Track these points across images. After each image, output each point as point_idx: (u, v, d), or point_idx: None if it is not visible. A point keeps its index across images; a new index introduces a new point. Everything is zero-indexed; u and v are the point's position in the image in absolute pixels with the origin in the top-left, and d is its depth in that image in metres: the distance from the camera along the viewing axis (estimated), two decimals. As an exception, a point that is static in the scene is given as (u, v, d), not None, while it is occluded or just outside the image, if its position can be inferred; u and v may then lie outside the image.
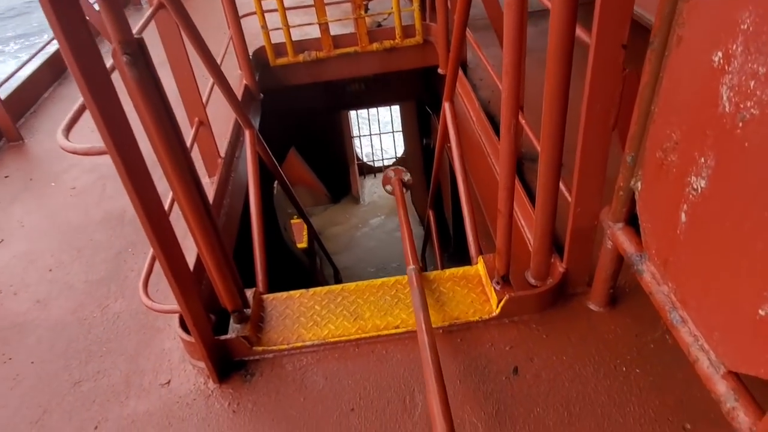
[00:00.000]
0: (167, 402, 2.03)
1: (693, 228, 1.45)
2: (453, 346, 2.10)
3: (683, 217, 1.49)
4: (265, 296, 2.42)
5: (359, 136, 12.44)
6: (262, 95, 4.30)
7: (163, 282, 1.93)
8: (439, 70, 4.42)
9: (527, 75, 2.69)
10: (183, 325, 2.14)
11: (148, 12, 2.48)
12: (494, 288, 2.21)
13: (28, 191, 3.41)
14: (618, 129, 1.91)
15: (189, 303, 1.88)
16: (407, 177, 3.54)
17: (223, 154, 3.20)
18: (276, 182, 7.60)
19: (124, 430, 1.95)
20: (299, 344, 2.16)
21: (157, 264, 1.82)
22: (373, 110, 12.07)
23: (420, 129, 10.26)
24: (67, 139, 1.59)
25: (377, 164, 12.56)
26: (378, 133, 12.35)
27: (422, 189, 9.86)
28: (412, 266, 2.31)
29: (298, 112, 6.86)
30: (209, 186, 3.03)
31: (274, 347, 2.16)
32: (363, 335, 2.17)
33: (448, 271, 2.43)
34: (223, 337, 2.08)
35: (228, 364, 2.12)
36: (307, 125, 9.10)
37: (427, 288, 2.36)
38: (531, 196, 2.68)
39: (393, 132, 12.21)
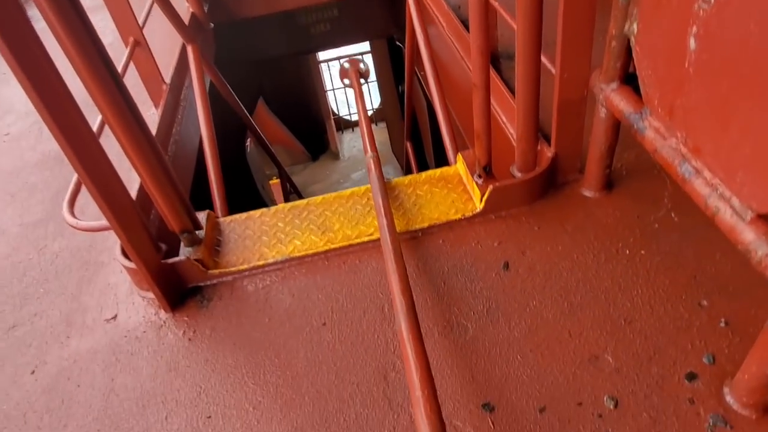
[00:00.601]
0: (113, 337, 1.77)
1: (705, 52, 1.19)
2: (435, 247, 1.86)
3: (692, 43, 1.23)
4: (221, 219, 2.15)
5: (333, 90, 11.99)
6: (212, 25, 3.92)
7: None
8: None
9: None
10: (125, 252, 1.87)
11: None
12: (476, 182, 1.96)
13: (-44, 142, 3.07)
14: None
15: (121, 218, 1.60)
16: (364, 67, 3.33)
17: (168, 80, 2.86)
18: (249, 139, 7.25)
19: (65, 371, 1.70)
20: (261, 263, 1.90)
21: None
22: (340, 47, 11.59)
23: (394, 76, 9.86)
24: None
25: (354, 118, 12.17)
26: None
27: (401, 139, 9.55)
28: (370, 153, 2.05)
29: (261, 58, 6.46)
30: (154, 118, 2.71)
31: (233, 269, 1.90)
32: (333, 246, 1.92)
33: (425, 174, 2.17)
34: (171, 260, 1.81)
35: (181, 292, 1.86)
36: (274, 75, 8.68)
37: (403, 192, 2.10)
38: (511, 92, 2.41)
39: (367, 82, 11.78)
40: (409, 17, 2.74)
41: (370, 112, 12.03)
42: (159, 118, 2.62)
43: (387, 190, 1.96)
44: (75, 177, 1.82)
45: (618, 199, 1.89)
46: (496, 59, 2.69)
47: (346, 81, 3.35)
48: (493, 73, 2.44)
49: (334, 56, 11.56)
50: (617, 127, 1.73)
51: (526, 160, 1.96)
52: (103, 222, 1.61)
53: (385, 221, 1.72)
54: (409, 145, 4.64)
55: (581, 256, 1.73)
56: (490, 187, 1.86)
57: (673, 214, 1.79)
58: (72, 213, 1.75)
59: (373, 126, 11.89)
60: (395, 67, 9.27)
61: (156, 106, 2.82)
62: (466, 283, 1.71)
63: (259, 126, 8.98)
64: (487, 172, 1.95)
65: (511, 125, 2.34)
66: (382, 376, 1.51)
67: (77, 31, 1.40)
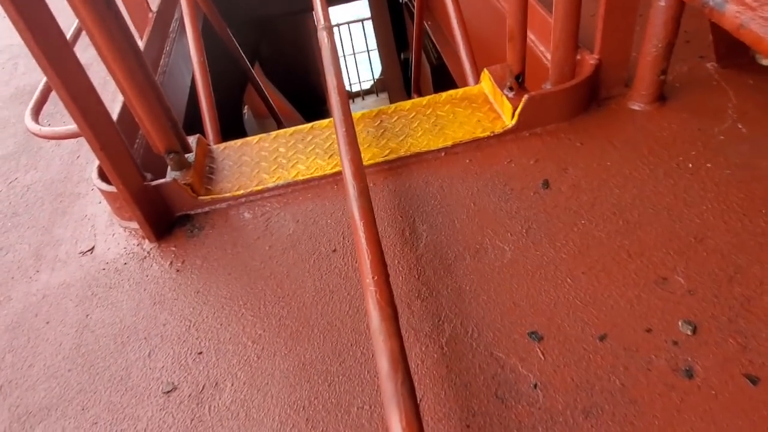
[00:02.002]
0: (90, 271, 1.53)
1: None
2: (461, 167, 1.60)
3: None
4: (214, 146, 1.89)
5: (332, 60, 11.62)
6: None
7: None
8: None
9: None
10: (103, 174, 1.61)
11: None
12: (506, 96, 1.70)
13: (-77, 80, 2.80)
14: None
15: (97, 129, 1.35)
16: None
17: (155, 8, 2.58)
18: (246, 107, 6.95)
19: (32, 308, 1.45)
20: (259, 188, 1.65)
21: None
22: (345, 31, 11.21)
23: (397, 42, 9.53)
24: None
25: (354, 89, 11.83)
26: (352, 53, 11.53)
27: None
28: (322, 24, 1.77)
29: (258, 17, 6.13)
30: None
31: (227, 194, 1.65)
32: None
33: (445, 94, 1.90)
34: (156, 182, 1.56)
35: (168, 221, 1.61)
36: (271, 39, 8.33)
37: (421, 114, 1.84)
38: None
39: (368, 51, 11.41)
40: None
41: (371, 83, 11.73)
42: (144, 47, 2.35)
43: (338, 62, 1.72)
44: (43, 81, 1.56)
45: (673, 112, 1.63)
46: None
47: None
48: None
49: (335, 23, 11.20)
50: (679, 17, 1.46)
51: (563, 72, 1.69)
52: (73, 127, 1.36)
53: (338, 102, 1.49)
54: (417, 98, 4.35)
55: (634, 171, 1.47)
56: (525, 96, 1.60)
57: (740, 125, 1.53)
58: (36, 120, 1.49)
59: (375, 97, 11.59)
60: (396, 33, 8.94)
61: (140, 36, 2.55)
62: (499, 203, 1.46)
63: (256, 95, 8.66)
64: (519, 83, 1.69)
65: (540, 42, 2.07)
66: (405, 305, 1.27)
67: None
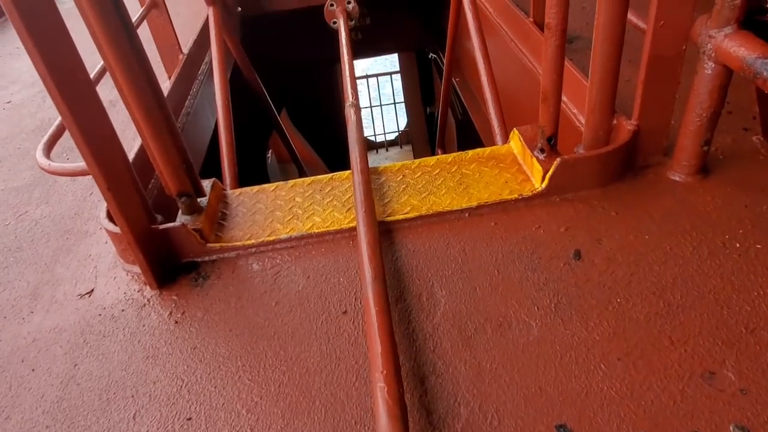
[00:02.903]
0: (85, 316, 1.44)
1: None
2: (485, 230, 1.50)
3: None
4: (230, 191, 1.83)
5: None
6: (239, 9, 3.70)
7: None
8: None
9: None
10: (110, 214, 1.55)
11: None
12: (537, 158, 1.61)
13: (-46, 108, 2.83)
14: None
15: (105, 168, 1.29)
16: (351, 5, 2.92)
17: (186, 51, 2.60)
18: (270, 151, 7.01)
19: (20, 352, 1.36)
20: (272, 239, 1.57)
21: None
22: (373, 82, 11.43)
23: (423, 97, 9.66)
24: None
25: (379, 139, 11.94)
26: (379, 105, 11.70)
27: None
28: (350, 101, 1.75)
29: (288, 62, 6.25)
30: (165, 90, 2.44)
31: (237, 243, 1.56)
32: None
33: (471, 152, 1.83)
34: (163, 226, 1.49)
35: (173, 267, 1.53)
36: (299, 85, 8.49)
37: (446, 171, 1.76)
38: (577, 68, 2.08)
39: (395, 103, 11.57)
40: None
41: (395, 135, 11.84)
42: (170, 88, 2.35)
43: (365, 144, 1.75)
44: (58, 119, 1.52)
45: (717, 186, 1.52)
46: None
47: (334, 22, 2.93)
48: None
49: (363, 74, 11.45)
50: (726, 87, 1.38)
51: (597, 136, 1.61)
52: (82, 165, 1.30)
53: (359, 175, 1.48)
54: (440, 153, 4.31)
55: (676, 248, 1.36)
56: (558, 160, 1.52)
57: (791, 204, 1.42)
58: (48, 156, 1.44)
59: (399, 149, 11.67)
60: (424, 87, 9.07)
61: (169, 77, 2.56)
62: (526, 273, 1.35)
63: (281, 138, 8.77)
64: (551, 145, 1.61)
65: (574, 105, 2.00)
66: (418, 381, 1.15)
67: None
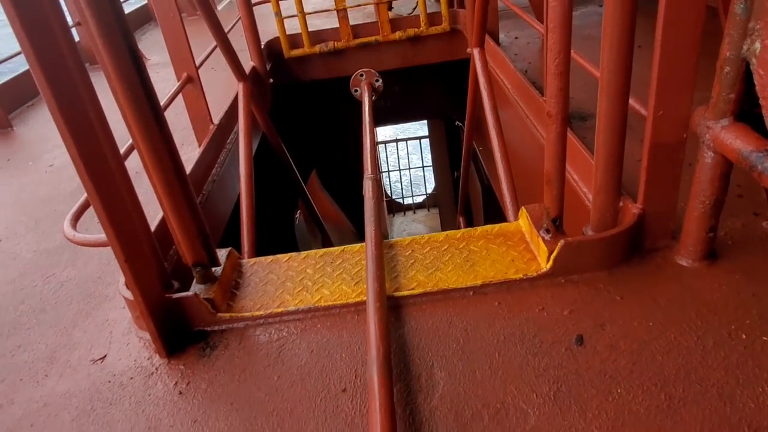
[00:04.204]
0: (96, 381, 1.49)
1: None
2: (488, 310, 1.51)
3: None
4: (245, 260, 1.90)
5: (388, 171, 12.04)
6: (272, 80, 3.91)
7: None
8: (468, 50, 3.97)
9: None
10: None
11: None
12: (543, 238, 1.63)
13: (1, 170, 3.03)
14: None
15: (124, 238, 1.37)
16: (378, 82, 3.12)
17: (216, 121, 2.76)
18: (299, 211, 7.19)
19: (31, 416, 1.41)
20: (279, 310, 1.61)
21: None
22: (402, 147, 11.69)
23: (451, 161, 9.81)
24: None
25: (407, 201, 12.08)
26: (407, 168, 11.91)
27: (454, 226, 9.29)
28: (369, 175, 1.82)
29: (319, 127, 6.49)
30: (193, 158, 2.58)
31: (247, 314, 1.61)
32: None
33: (480, 228, 1.86)
34: (176, 295, 1.55)
35: (184, 335, 1.57)
36: (329, 149, 8.75)
37: (454, 247, 1.79)
38: (586, 148, 2.12)
39: (423, 167, 11.77)
40: (472, 70, 2.56)
41: (423, 197, 11.96)
42: (198, 156, 2.48)
43: (381, 216, 1.83)
44: (85, 194, 1.63)
45: (724, 273, 1.51)
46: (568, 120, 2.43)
47: (357, 90, 3.12)
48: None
49: (392, 138, 11.74)
50: (727, 176, 1.40)
51: (604, 218, 1.63)
52: (102, 237, 1.38)
53: (373, 250, 1.53)
54: (462, 220, 4.36)
55: (680, 337, 1.34)
56: (561, 242, 1.53)
57: (801, 295, 1.39)
58: (74, 226, 1.54)
59: (426, 212, 11.76)
60: (451, 151, 9.21)
61: (199, 144, 2.71)
62: (527, 357, 1.35)
63: (304, 205, 8.96)
64: (556, 226, 1.63)
65: (584, 184, 2.03)
66: (410, 467, 1.14)
67: (104, 14, 1.25)
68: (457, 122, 6.93)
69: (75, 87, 1.25)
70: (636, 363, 1.29)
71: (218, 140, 2.72)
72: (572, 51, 2.00)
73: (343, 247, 1.89)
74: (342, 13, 4.17)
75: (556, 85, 1.41)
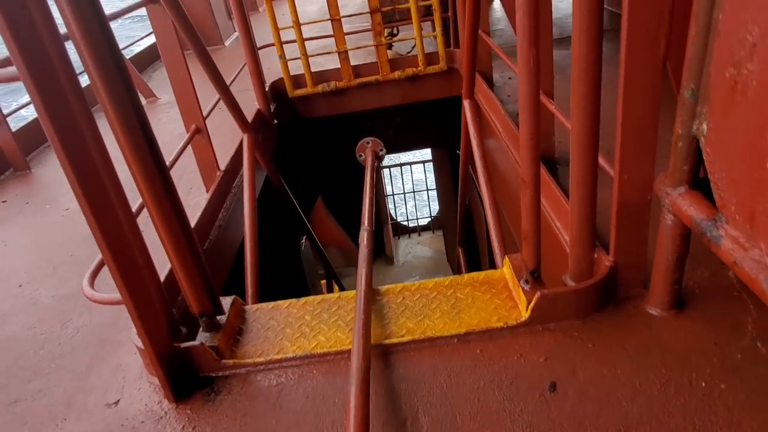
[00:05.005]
0: (110, 425, 1.62)
1: (793, 149, 1.03)
2: (471, 357, 1.64)
3: (776, 139, 1.07)
4: (248, 307, 2.04)
5: (392, 195, 12.21)
6: (276, 121, 4.09)
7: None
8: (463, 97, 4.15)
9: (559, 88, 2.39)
10: (140, 331, 1.76)
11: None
12: (522, 288, 1.76)
13: (20, 214, 3.21)
14: (670, 63, 1.52)
15: (136, 294, 1.52)
16: (382, 152, 3.48)
17: (223, 168, 2.93)
18: (305, 237, 7.36)
19: (50, 459, 1.54)
20: (279, 357, 1.74)
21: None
22: (406, 169, 11.89)
23: (454, 186, 9.95)
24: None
25: (411, 224, 12.23)
26: (412, 191, 12.09)
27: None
28: (366, 227, 1.98)
29: (323, 155, 6.67)
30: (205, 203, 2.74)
31: (249, 360, 1.74)
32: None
33: (467, 276, 1.99)
34: (184, 345, 1.69)
35: (191, 380, 1.71)
36: (335, 175, 8.95)
37: (442, 294, 1.92)
38: (567, 195, 2.26)
39: (427, 190, 11.94)
40: (464, 120, 2.72)
41: (428, 220, 12.10)
42: (206, 203, 2.64)
43: (372, 267, 1.97)
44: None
45: (690, 322, 1.63)
46: (552, 164, 2.58)
47: (361, 156, 3.47)
48: (547, 175, 2.33)
49: (397, 163, 11.93)
50: (687, 236, 1.53)
51: (581, 268, 1.76)
52: (117, 296, 1.53)
53: (362, 304, 1.63)
54: (461, 251, 4.48)
55: (645, 383, 1.46)
56: (538, 293, 1.66)
57: (759, 344, 1.51)
58: (92, 284, 1.68)
59: (431, 234, 11.89)
60: (455, 177, 9.36)
61: (207, 190, 2.87)
62: (503, 403, 1.47)
63: (316, 224, 9.12)
64: (535, 278, 1.76)
65: (565, 230, 2.16)
66: None
67: (111, 76, 1.39)
68: (457, 150, 7.11)
69: (86, 144, 1.38)
70: (603, 408, 1.41)
71: (224, 186, 2.88)
72: (549, 100, 2.15)
73: (339, 293, 2.03)
74: (343, 54, 4.37)
75: (528, 155, 1.56)
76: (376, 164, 3.26)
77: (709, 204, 1.39)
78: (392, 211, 12.18)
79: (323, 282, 7.74)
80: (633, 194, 1.59)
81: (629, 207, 1.61)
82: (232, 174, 3.02)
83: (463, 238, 4.79)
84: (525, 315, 1.71)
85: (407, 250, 11.63)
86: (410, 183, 12.34)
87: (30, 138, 4.11)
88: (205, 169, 2.86)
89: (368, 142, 3.43)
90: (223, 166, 2.94)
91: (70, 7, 1.27)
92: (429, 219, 12.25)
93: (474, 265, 5.55)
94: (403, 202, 12.42)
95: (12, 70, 1.22)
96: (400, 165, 11.73)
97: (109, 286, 1.96)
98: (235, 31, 7.42)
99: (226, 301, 1.94)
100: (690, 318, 1.64)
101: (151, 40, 7.01)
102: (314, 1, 8.83)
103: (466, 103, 2.64)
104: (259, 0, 9.56)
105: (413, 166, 11.72)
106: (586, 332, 1.66)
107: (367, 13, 4.26)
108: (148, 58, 6.52)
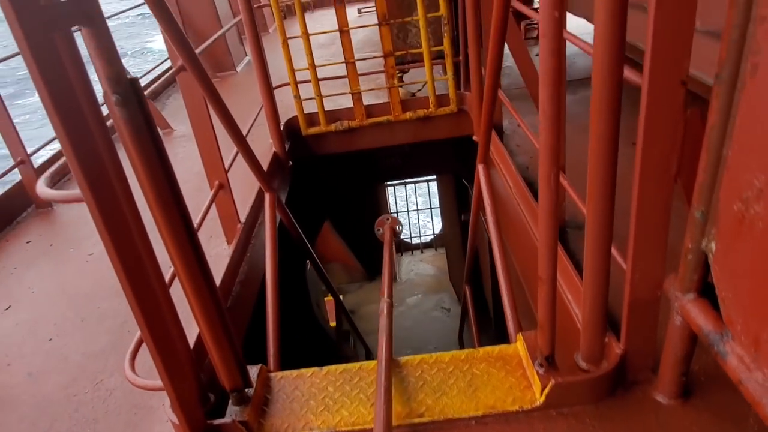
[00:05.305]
0: (147, 499, 1.72)
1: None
2: (488, 442, 1.73)
3: (781, 278, 1.17)
4: (273, 374, 2.13)
5: (396, 213, 12.33)
6: (291, 163, 4.20)
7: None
8: (474, 138, 4.25)
9: (568, 139, 2.48)
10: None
11: (169, 72, 2.42)
12: (537, 371, 1.86)
13: (45, 256, 3.31)
14: (681, 179, 1.63)
15: (175, 380, 1.62)
16: (400, 228, 3.70)
17: (243, 220, 3.03)
18: (308, 262, 7.48)
19: None
20: (305, 433, 1.84)
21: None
22: (410, 187, 12.03)
23: (458, 205, 10.08)
24: (49, 186, 1.43)
25: (414, 241, 12.34)
26: (416, 209, 12.22)
27: (460, 267, 9.51)
28: (386, 299, 2.14)
29: (332, 184, 6.79)
30: (225, 253, 2.84)
31: (276, 436, 1.84)
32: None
33: (482, 350, 2.09)
34: (217, 422, 1.79)
35: (222, 456, 1.81)
36: (341, 198, 9.07)
37: (459, 369, 2.02)
38: (578, 266, 2.36)
39: (431, 208, 12.07)
40: (477, 183, 2.82)
41: (431, 238, 12.21)
42: (230, 258, 2.74)
43: (391, 337, 2.06)
44: (139, 333, 1.89)
45: (695, 411, 1.72)
46: (563, 229, 2.68)
47: (379, 231, 3.68)
48: (560, 249, 2.42)
49: (401, 181, 12.04)
50: (695, 337, 1.63)
51: (592, 351, 1.85)
52: (158, 383, 1.63)
53: (383, 380, 1.72)
54: (468, 289, 4.58)
55: (653, 477, 1.55)
56: (552, 381, 1.76)
57: (760, 440, 1.61)
58: (132, 367, 1.78)
59: (433, 251, 12.00)
60: (459, 200, 9.48)
61: (228, 242, 2.97)
62: (521, 493, 1.57)
63: (322, 242, 9.21)
64: (549, 363, 1.86)
65: (576, 306, 2.26)
66: None
67: (151, 160, 1.48)
68: (464, 181, 7.22)
69: (130, 233, 1.48)
70: (614, 504, 1.50)
71: (245, 238, 2.98)
72: (563, 175, 2.24)
73: (360, 364, 2.12)
74: (357, 95, 4.48)
75: (547, 254, 1.66)
76: (393, 239, 3.48)
77: (717, 316, 1.49)
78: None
79: (327, 299, 7.88)
80: (644, 292, 1.69)
81: (640, 302, 1.71)
82: (251, 225, 3.13)
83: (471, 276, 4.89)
84: (540, 399, 1.81)
85: (410, 267, 11.74)
86: (414, 198, 12.48)
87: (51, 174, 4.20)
88: (226, 222, 2.96)
89: (387, 219, 3.63)
90: (243, 218, 3.05)
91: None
92: (432, 236, 12.37)
93: (480, 300, 5.65)
94: (407, 219, 12.53)
95: (77, 192, 1.32)
96: (404, 183, 11.86)
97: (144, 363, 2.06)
98: (246, 55, 7.56)
99: (253, 371, 2.04)
100: (695, 408, 1.73)
101: (166, 64, 7.12)
102: (322, 23, 8.95)
103: (480, 168, 2.74)
104: (270, 21, 9.70)
105: (418, 184, 11.86)
106: (598, 418, 1.75)
107: (381, 57, 4.37)
108: (162, 84, 6.63)
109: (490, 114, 2.55)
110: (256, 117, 3.91)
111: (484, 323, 6.19)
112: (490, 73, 2.33)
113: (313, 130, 4.58)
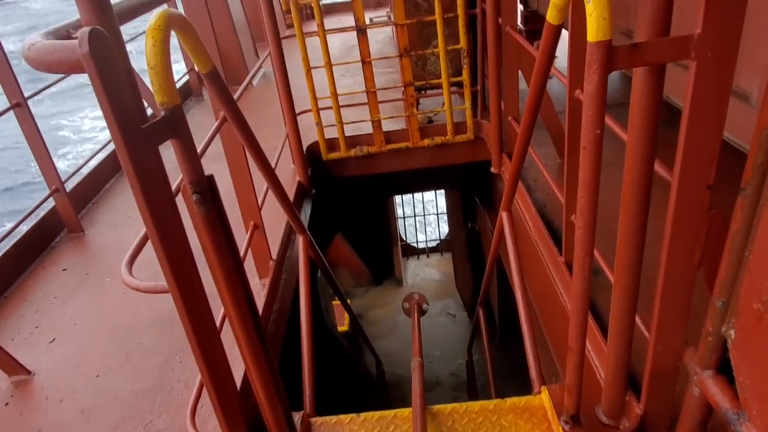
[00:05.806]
0: None
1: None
2: (519, 496, 1.89)
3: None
4: (313, 420, 2.29)
5: (403, 218, 12.48)
6: (314, 191, 4.35)
7: (206, 402, 1.84)
8: (492, 169, 4.39)
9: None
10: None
11: (214, 126, 2.56)
12: (563, 428, 2.01)
13: (83, 286, 3.46)
14: (704, 268, 1.77)
15: (231, 424, 1.77)
16: (426, 306, 4.00)
17: (274, 256, 3.18)
18: (319, 271, 7.66)
19: None
20: (349, 483, 2.00)
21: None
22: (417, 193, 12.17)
23: (464, 212, 10.23)
24: (131, 273, 1.58)
25: (420, 245, 12.50)
26: (422, 215, 12.37)
27: (466, 273, 9.67)
28: (417, 358, 2.30)
29: (347, 201, 6.93)
30: (259, 288, 2.99)
31: (322, 485, 2.00)
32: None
33: (509, 401, 2.25)
34: (267, 475, 1.94)
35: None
36: (354, 209, 9.22)
37: (487, 420, 2.18)
38: (599, 320, 2.50)
39: (437, 214, 12.21)
40: (499, 229, 2.96)
41: (437, 242, 12.37)
42: (265, 296, 2.89)
43: (424, 393, 2.22)
44: (198, 381, 2.04)
45: (709, 473, 1.87)
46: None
47: (406, 305, 4.02)
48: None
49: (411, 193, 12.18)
50: (711, 408, 1.77)
51: (613, 408, 2.01)
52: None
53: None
54: (481, 312, 4.74)
55: None
56: (579, 441, 1.92)
57: (769, 502, 1.76)
58: (193, 422, 1.94)
59: (439, 256, 12.16)
60: (466, 209, 9.63)
61: (260, 277, 3.12)
62: None
63: (332, 250, 9.36)
64: (574, 421, 2.01)
65: (598, 360, 2.41)
66: None
67: (223, 248, 1.62)
68: (474, 197, 7.37)
69: (203, 302, 1.62)
70: None
71: (277, 274, 3.13)
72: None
73: (395, 411, 2.28)
74: (377, 123, 4.62)
75: (577, 331, 1.80)
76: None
77: (734, 394, 1.63)
78: (402, 232, 12.45)
79: (335, 303, 8.08)
80: (665, 363, 1.84)
81: (660, 372, 1.86)
82: (281, 260, 3.27)
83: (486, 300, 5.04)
84: (565, 455, 1.96)
85: (416, 272, 11.90)
86: (421, 205, 12.63)
87: (81, 197, 4.36)
88: (259, 259, 3.11)
89: (416, 295, 3.96)
90: (274, 255, 3.19)
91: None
92: (437, 241, 12.52)
93: (490, 321, 5.81)
94: (414, 223, 12.68)
95: (163, 285, 1.46)
96: (413, 192, 12.00)
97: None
98: (261, 68, 7.66)
99: (297, 419, 2.20)
100: (709, 468, 1.89)
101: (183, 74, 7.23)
102: (333, 44, 9.04)
103: (504, 216, 2.88)
104: (282, 27, 9.79)
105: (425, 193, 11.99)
106: (619, 477, 1.91)
107: (401, 87, 4.50)
108: (183, 95, 6.76)
109: (520, 161, 2.67)
110: (282, 148, 4.04)
111: (490, 330, 6.36)
112: (522, 138, 2.45)
113: (333, 155, 4.71)
